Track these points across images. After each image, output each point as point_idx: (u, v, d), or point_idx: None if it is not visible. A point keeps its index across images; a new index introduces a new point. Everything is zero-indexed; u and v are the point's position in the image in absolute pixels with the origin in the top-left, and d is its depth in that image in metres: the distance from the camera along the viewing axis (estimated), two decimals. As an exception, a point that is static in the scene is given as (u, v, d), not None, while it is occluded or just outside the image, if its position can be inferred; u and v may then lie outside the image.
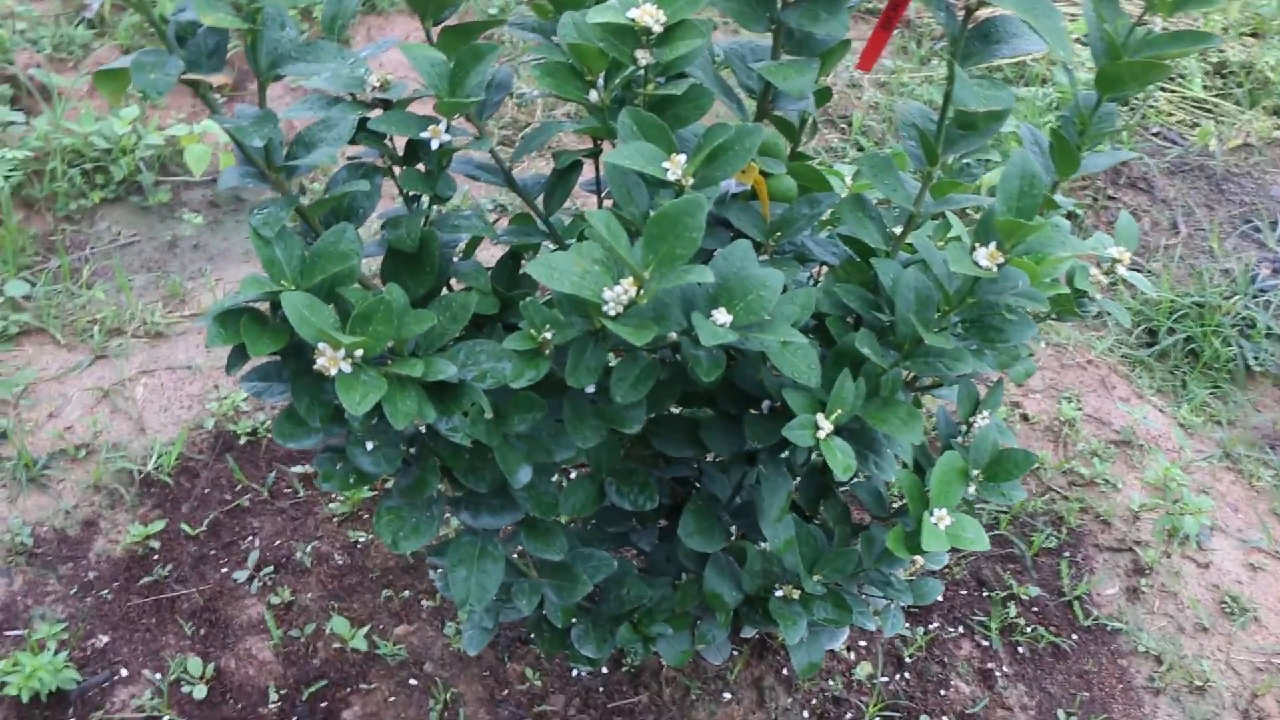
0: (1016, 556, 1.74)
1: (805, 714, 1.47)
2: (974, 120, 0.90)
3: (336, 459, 0.98)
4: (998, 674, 1.57)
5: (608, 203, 1.12)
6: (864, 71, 1.03)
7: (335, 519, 1.61)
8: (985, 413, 1.17)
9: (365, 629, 1.45)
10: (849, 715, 1.48)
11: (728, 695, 1.46)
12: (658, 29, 0.83)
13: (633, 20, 0.83)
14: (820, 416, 0.91)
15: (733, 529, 1.16)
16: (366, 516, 1.62)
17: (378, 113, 0.96)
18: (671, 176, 0.79)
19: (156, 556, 1.54)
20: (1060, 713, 1.52)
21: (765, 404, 1.04)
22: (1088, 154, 1.01)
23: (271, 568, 1.53)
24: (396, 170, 1.02)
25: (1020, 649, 1.61)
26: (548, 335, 0.86)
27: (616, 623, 1.19)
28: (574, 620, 1.18)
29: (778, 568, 1.15)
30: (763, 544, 1.19)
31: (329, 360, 0.83)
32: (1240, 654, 1.63)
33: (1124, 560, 1.76)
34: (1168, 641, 1.63)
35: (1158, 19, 0.93)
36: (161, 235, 2.18)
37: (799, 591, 1.16)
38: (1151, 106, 2.90)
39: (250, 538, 1.58)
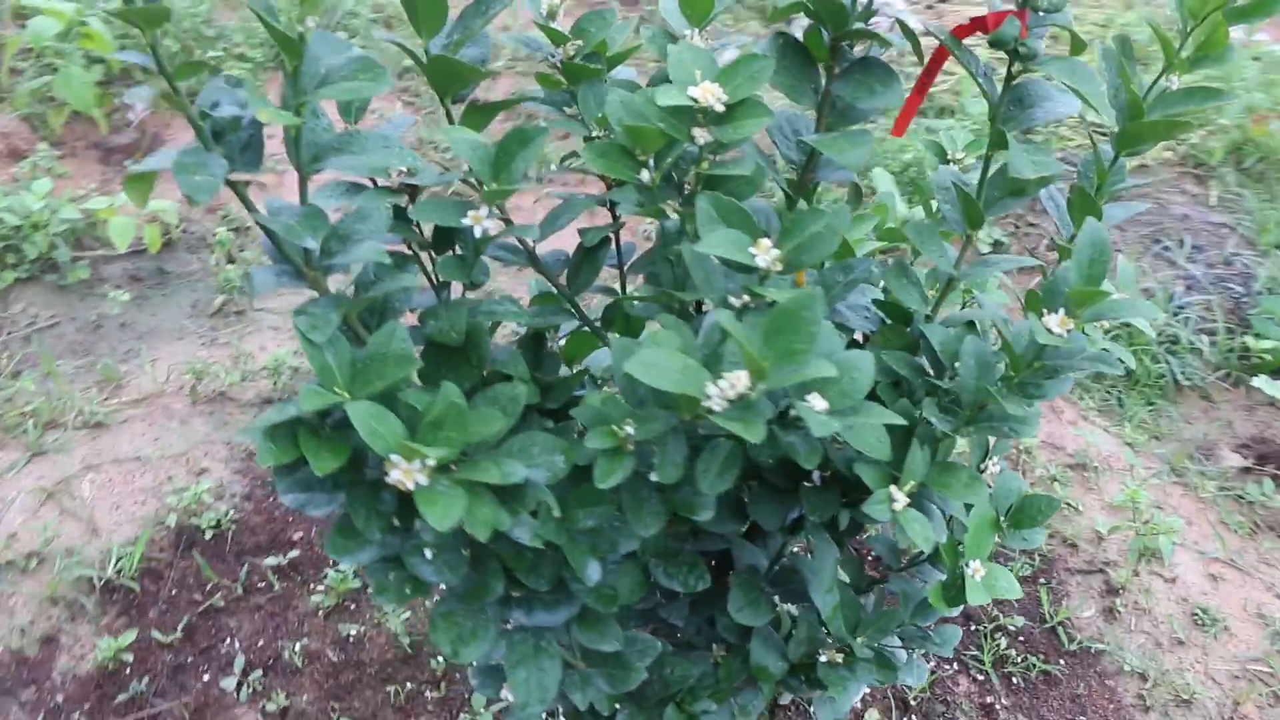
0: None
1: (824, 768, 1.46)
2: (1024, 187, 0.92)
3: (389, 569, 0.93)
4: (998, 707, 1.59)
5: (633, 281, 1.10)
6: (897, 137, 1.03)
7: (321, 612, 1.53)
8: (995, 459, 1.18)
9: (374, 729, 1.38)
10: (865, 765, 1.48)
11: (747, 758, 1.44)
12: (719, 108, 0.82)
13: (694, 100, 0.82)
14: (894, 489, 0.90)
15: (776, 600, 1.14)
16: (354, 607, 1.54)
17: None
18: (761, 263, 0.78)
19: (129, 670, 1.44)
20: (1063, 740, 1.56)
21: (815, 475, 1.03)
22: (1106, 205, 1.04)
23: (260, 671, 1.44)
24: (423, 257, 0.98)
25: (1014, 679, 1.63)
26: (629, 430, 0.83)
27: (662, 705, 1.16)
28: (618, 706, 1.15)
29: (822, 634, 1.14)
30: (791, 608, 1.18)
31: (404, 474, 0.78)
32: (1217, 664, 1.69)
33: (1096, 582, 1.81)
34: (1149, 658, 1.69)
35: (1174, 77, 0.96)
36: (84, 315, 2.05)
37: (842, 655, 1.15)
38: (1053, 133, 3.04)
39: (229, 640, 1.49)
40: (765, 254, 0.78)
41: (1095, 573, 1.82)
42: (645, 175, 0.89)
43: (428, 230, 1.00)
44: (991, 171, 0.96)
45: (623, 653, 1.07)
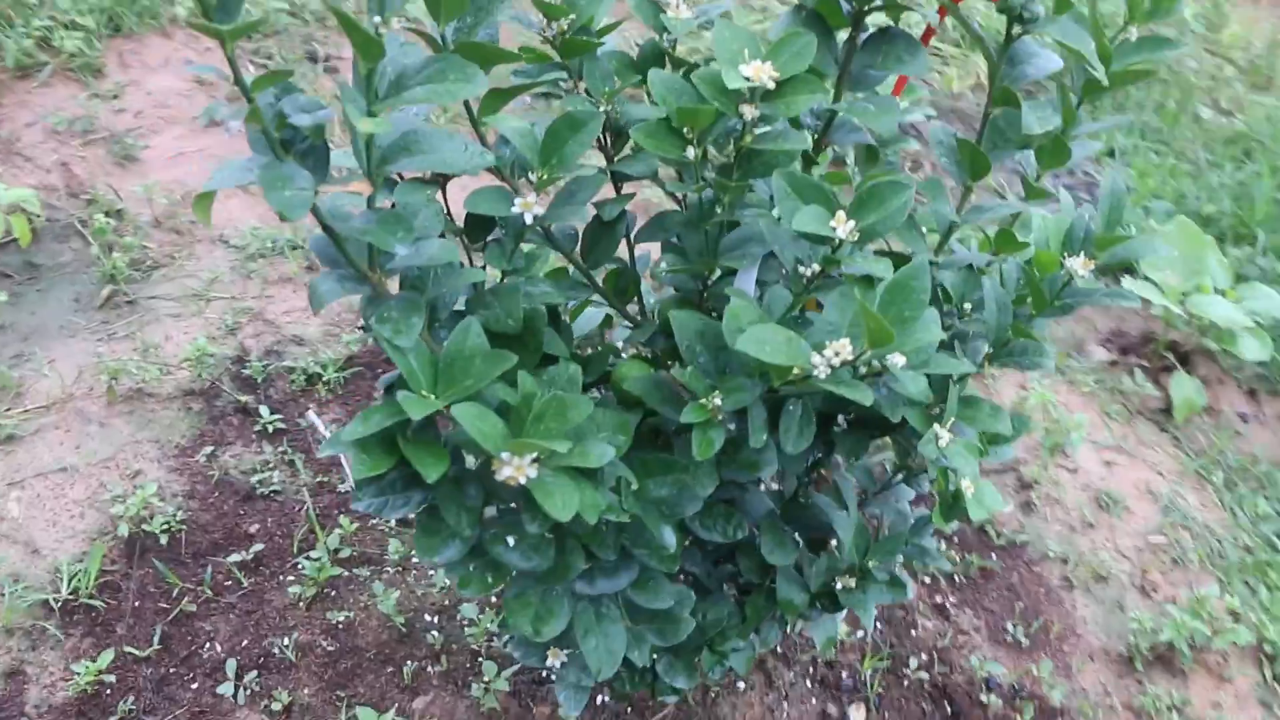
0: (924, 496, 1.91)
1: (809, 683, 1.56)
2: (1030, 140, 0.99)
3: (469, 561, 0.94)
4: (947, 605, 1.73)
5: (640, 248, 1.12)
6: (894, 98, 1.08)
7: (302, 603, 1.50)
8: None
9: (391, 712, 1.37)
10: (844, 674, 1.58)
11: (741, 685, 1.52)
12: (770, 85, 0.85)
13: (748, 79, 0.84)
14: (939, 428, 0.97)
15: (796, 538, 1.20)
16: (334, 594, 1.52)
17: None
18: (840, 235, 0.82)
19: (111, 691, 1.38)
20: (1008, 624, 1.71)
21: (841, 419, 1.09)
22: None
23: (254, 671, 1.41)
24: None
25: (956, 578, 1.78)
26: (718, 402, 0.86)
27: (696, 650, 1.21)
28: (655, 656, 1.19)
29: (839, 563, 1.22)
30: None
31: (516, 469, 0.80)
32: (1124, 540, 1.89)
33: (1010, 480, 1.98)
34: (1066, 543, 1.86)
35: (1133, 29, 1.05)
36: (-43, 321, 1.89)
37: (855, 579, 1.23)
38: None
39: (209, 644, 1.44)
40: (843, 227, 0.82)
41: (1008, 471, 1.99)
42: (690, 152, 0.91)
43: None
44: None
45: (672, 607, 1.12)
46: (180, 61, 2.72)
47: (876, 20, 0.96)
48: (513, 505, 0.92)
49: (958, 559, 1.80)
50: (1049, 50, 1.02)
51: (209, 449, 1.71)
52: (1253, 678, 1.69)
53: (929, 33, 1.04)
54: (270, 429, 1.76)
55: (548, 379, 0.93)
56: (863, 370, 0.85)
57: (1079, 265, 0.93)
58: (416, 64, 0.75)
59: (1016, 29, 0.98)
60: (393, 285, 0.88)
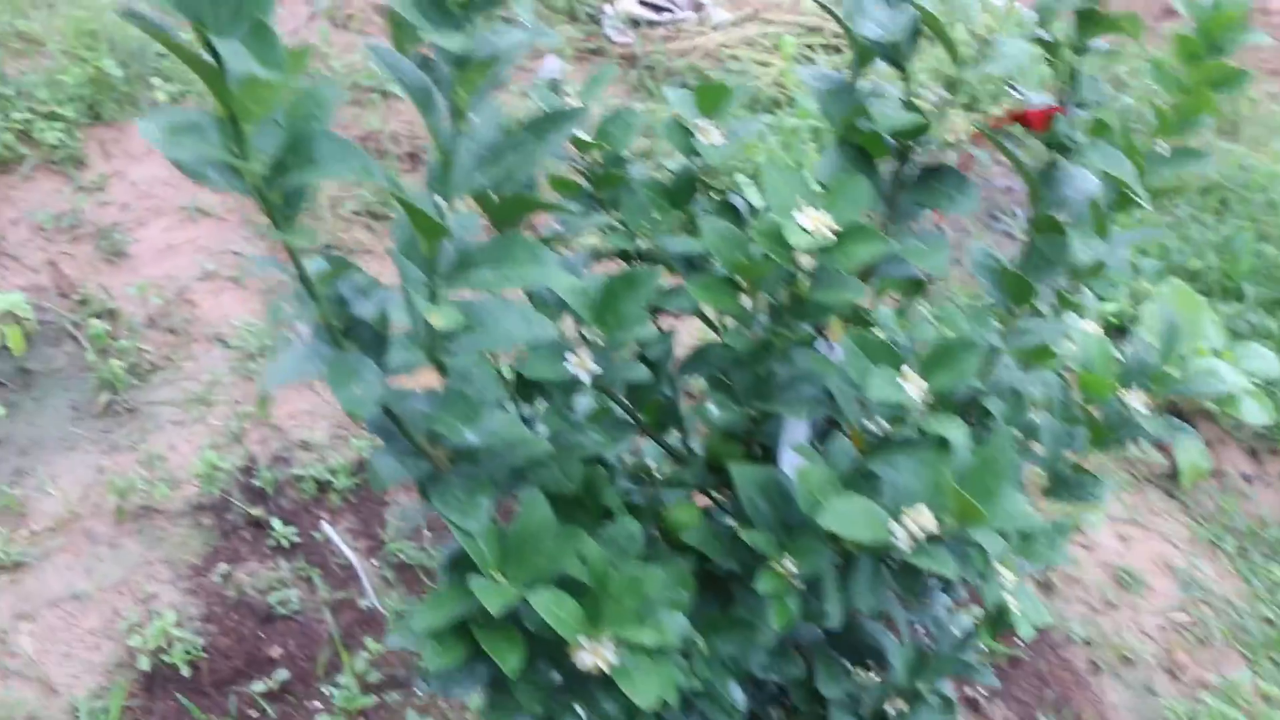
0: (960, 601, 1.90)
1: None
2: (1079, 270, 0.99)
3: (535, 731, 0.91)
4: (979, 697, 1.71)
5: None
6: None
7: (332, 732, 1.46)
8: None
9: None
10: (882, 778, 1.56)
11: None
12: (830, 237, 0.84)
13: (807, 231, 0.83)
14: (1001, 569, 0.96)
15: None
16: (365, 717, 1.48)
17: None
18: (913, 395, 0.81)
19: (138, 838, 1.33)
20: (1040, 716, 1.69)
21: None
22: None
23: (288, 810, 1.37)
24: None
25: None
26: (791, 568, 0.85)
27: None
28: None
29: (890, 689, 1.20)
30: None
31: (596, 655, 0.77)
32: (1146, 619, 1.88)
33: (1028, 558, 1.97)
34: (1089, 624, 1.86)
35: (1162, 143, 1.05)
36: (-48, 439, 1.84)
37: (907, 701, 1.21)
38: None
39: (237, 781, 1.40)
40: (914, 387, 0.81)
41: (1025, 550, 1.98)
42: (746, 302, 0.90)
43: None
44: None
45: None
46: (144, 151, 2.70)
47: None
48: (585, 680, 0.90)
49: (986, 650, 1.78)
50: (1085, 171, 1.03)
51: (224, 567, 1.67)
52: (1286, 758, 1.69)
53: (967, 162, 1.03)
54: (285, 543, 1.72)
55: (608, 539, 0.91)
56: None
57: (1138, 401, 0.93)
58: (479, 243, 0.74)
59: (1057, 156, 0.98)
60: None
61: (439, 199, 0.69)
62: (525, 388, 0.96)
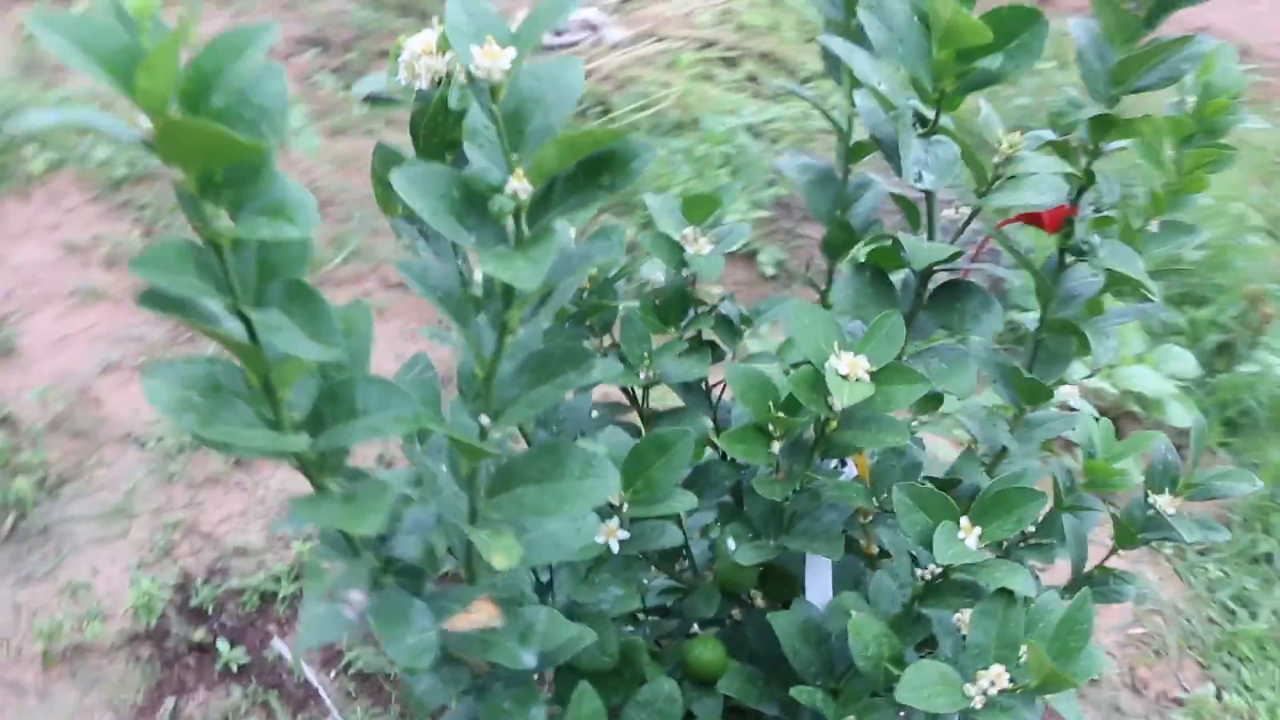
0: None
1: None
2: (1094, 370, 0.97)
3: None
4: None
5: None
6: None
7: None
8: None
9: None
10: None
11: None
12: (865, 379, 0.80)
13: (842, 375, 0.79)
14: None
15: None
16: None
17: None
18: (972, 547, 0.77)
19: None
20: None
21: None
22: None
23: None
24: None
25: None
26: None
27: None
28: None
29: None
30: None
31: None
32: (1104, 637, 1.92)
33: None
34: (1053, 648, 1.88)
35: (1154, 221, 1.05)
36: None
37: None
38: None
39: None
40: (971, 538, 0.78)
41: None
42: (776, 448, 0.86)
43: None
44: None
45: None
46: (44, 227, 2.50)
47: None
48: None
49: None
50: (1087, 268, 1.01)
51: (170, 702, 1.55)
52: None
53: (978, 254, 1.01)
54: (234, 666, 1.61)
55: (642, 702, 0.86)
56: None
57: (1167, 504, 0.92)
58: (523, 455, 0.67)
59: (1070, 259, 0.97)
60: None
61: (485, 419, 0.61)
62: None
